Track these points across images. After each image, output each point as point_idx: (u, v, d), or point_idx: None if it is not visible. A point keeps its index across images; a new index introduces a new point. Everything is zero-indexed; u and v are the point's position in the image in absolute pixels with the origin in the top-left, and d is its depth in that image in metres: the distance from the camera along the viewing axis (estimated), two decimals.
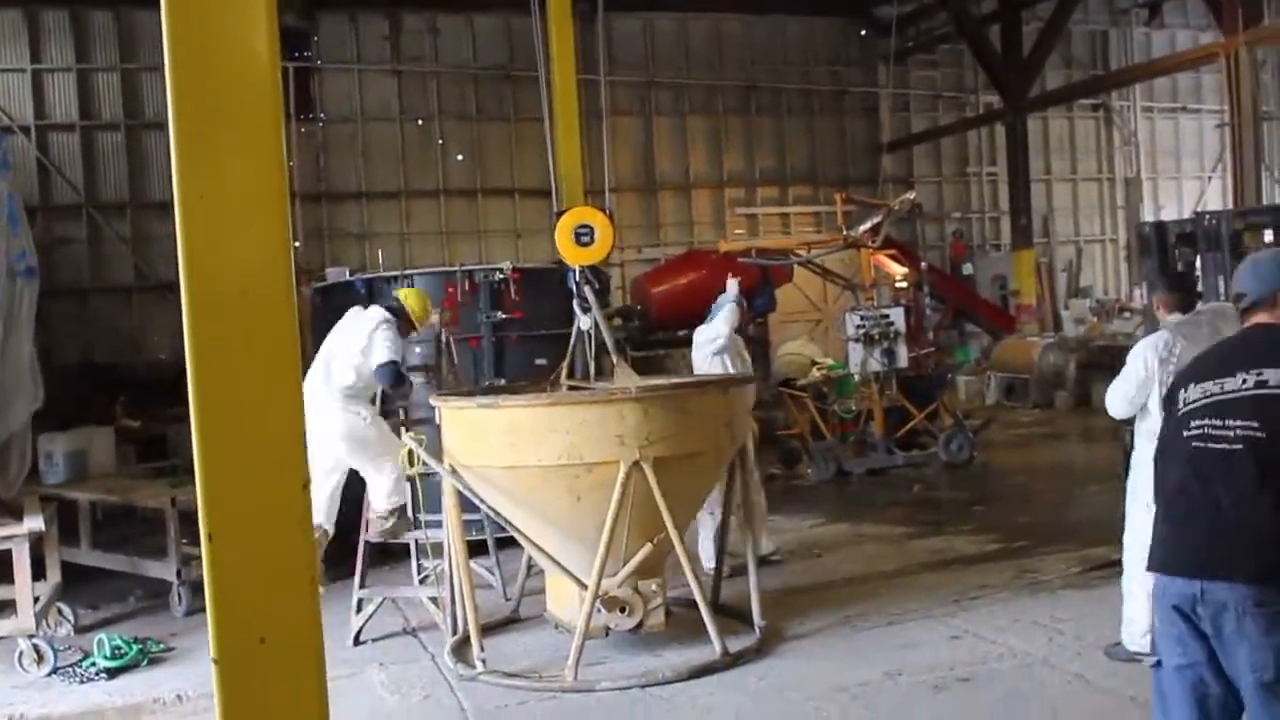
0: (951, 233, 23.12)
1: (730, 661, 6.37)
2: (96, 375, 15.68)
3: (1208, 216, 10.46)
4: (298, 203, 17.73)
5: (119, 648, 7.10)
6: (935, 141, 23.12)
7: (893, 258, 14.39)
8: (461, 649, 6.76)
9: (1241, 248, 9.41)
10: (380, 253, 17.09)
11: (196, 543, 7.83)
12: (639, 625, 6.54)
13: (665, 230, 21.20)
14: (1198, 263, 9.82)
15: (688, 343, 9.94)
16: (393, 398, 7.93)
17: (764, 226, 21.63)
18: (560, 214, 7.81)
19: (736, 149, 21.86)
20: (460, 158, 19.93)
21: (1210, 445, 3.40)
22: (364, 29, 19.38)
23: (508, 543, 7.69)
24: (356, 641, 7.25)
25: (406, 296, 8.01)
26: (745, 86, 21.72)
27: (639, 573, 6.51)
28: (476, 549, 7.54)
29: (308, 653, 3.20)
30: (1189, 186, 24.72)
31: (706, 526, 8.23)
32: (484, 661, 6.45)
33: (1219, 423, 3.40)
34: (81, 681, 6.88)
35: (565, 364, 7.87)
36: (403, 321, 7.71)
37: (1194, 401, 3.50)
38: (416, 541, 7.73)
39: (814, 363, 14.27)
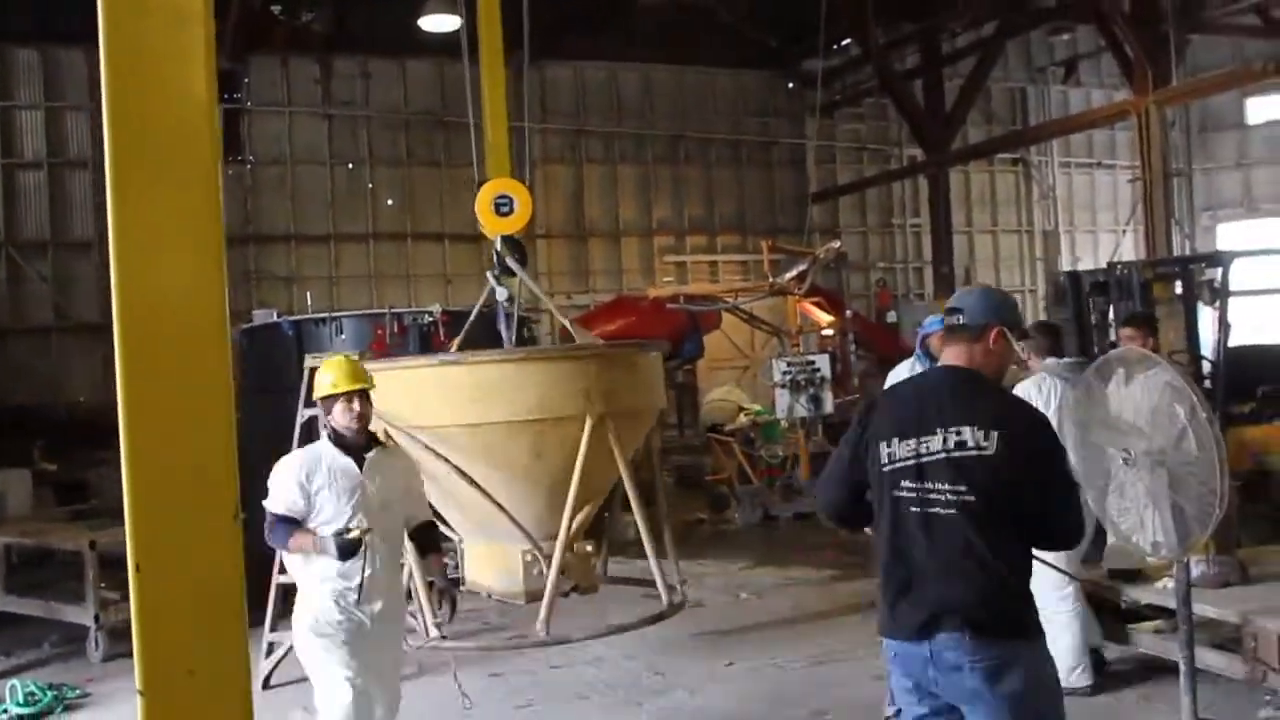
0: (876, 281, 23.48)
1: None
2: (14, 417, 15.30)
3: (1120, 266, 10.76)
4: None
5: (33, 694, 6.96)
6: (860, 193, 23.55)
7: (819, 305, 14.65)
8: None
9: (1152, 296, 9.72)
10: (309, 295, 16.93)
11: (115, 587, 7.73)
12: (574, 587, 6.50)
13: (595, 277, 21.33)
14: (1110, 312, 10.11)
15: None
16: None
17: (692, 274, 21.84)
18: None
19: (666, 197, 22.11)
20: (390, 202, 19.91)
21: (922, 510, 3.39)
22: (295, 72, 19.30)
23: None
24: (266, 685, 7.07)
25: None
26: (675, 136, 22.03)
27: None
28: None
29: (235, 685, 3.19)
30: (1104, 239, 25.38)
31: None
32: None
33: (928, 485, 3.39)
34: None
35: (460, 338, 7.68)
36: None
37: (900, 461, 3.45)
38: None
39: (741, 408, 14.45)
